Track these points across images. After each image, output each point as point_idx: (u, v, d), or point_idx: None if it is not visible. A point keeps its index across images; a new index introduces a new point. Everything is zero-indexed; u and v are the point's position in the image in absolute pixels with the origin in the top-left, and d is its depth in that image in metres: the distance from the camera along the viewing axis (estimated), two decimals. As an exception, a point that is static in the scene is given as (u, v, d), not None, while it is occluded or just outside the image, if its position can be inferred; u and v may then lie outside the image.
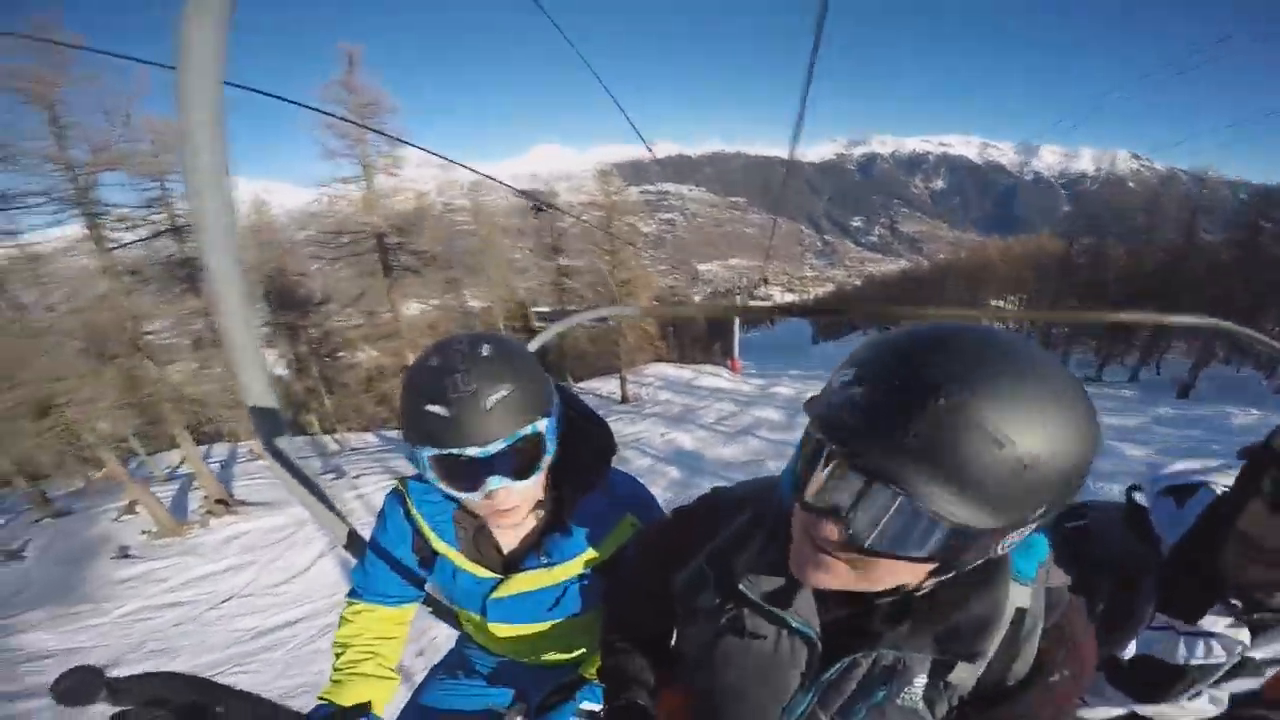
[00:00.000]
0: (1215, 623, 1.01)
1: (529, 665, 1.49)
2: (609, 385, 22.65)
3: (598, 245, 20.64)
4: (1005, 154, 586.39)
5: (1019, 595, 0.74)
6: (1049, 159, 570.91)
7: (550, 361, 23.63)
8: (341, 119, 14.53)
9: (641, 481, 1.37)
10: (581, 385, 22.61)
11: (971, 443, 0.53)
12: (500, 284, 20.76)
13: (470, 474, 1.02)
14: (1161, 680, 1.06)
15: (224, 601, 7.51)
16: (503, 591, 1.27)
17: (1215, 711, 1.10)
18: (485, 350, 0.99)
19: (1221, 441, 11.29)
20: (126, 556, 9.19)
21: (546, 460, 1.10)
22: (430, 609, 1.57)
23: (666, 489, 9.81)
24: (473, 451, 0.98)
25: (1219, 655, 1.01)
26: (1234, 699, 1.09)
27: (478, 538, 1.26)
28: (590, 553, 1.27)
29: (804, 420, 0.66)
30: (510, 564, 1.28)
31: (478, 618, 1.33)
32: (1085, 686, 0.80)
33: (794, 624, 0.81)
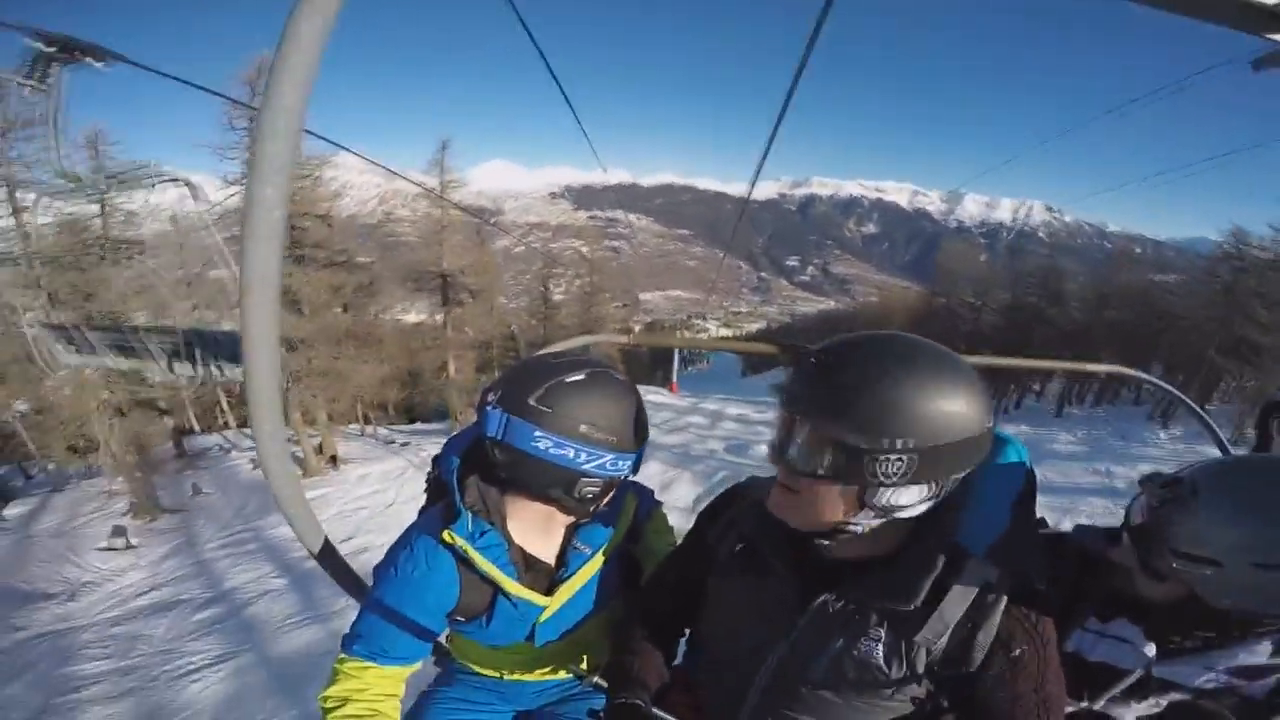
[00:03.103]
0: (1123, 629, 1.16)
1: (531, 681, 1.52)
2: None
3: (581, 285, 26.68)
4: (933, 201, 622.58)
5: (982, 570, 0.88)
6: (972, 208, 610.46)
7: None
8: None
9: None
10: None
11: (842, 389, 0.82)
12: (497, 315, 26.06)
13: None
14: (1081, 676, 1.15)
15: (389, 506, 12.78)
16: (554, 605, 1.32)
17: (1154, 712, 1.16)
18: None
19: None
20: (293, 487, 14.45)
21: None
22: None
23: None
24: None
25: (1128, 662, 1.13)
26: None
27: (529, 562, 1.33)
28: (614, 533, 1.39)
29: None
30: (556, 578, 1.35)
31: (520, 644, 1.37)
32: (1051, 666, 0.89)
33: (770, 556, 1.00)
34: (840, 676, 0.92)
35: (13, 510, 14.93)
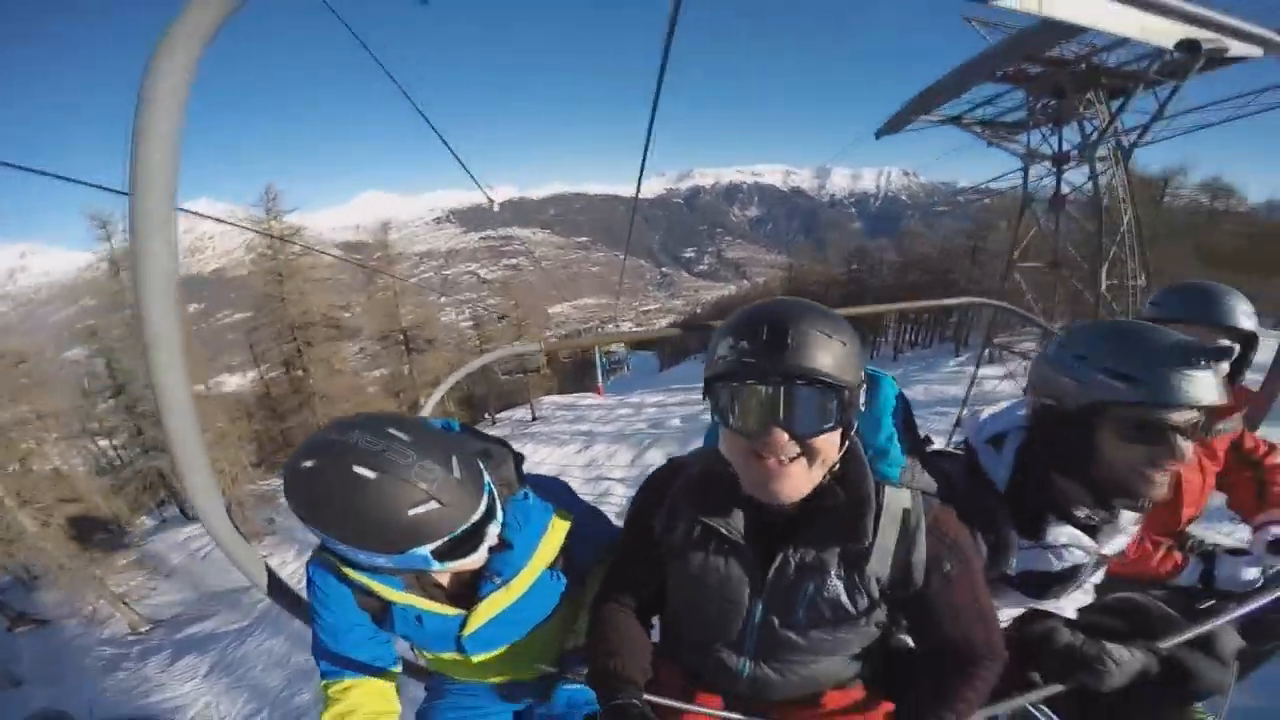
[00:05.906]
0: (1058, 534, 1.23)
1: (512, 681, 1.53)
2: (520, 413, 33.51)
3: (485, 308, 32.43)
4: (805, 179, 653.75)
5: (899, 498, 1.02)
6: (840, 181, 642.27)
7: (476, 399, 34.59)
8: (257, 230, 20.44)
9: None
10: (500, 415, 33.12)
11: (819, 340, 0.89)
12: (442, 356, 31.02)
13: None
14: (1046, 582, 1.28)
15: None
16: (474, 624, 1.30)
17: (1087, 600, 1.38)
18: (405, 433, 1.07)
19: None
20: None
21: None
22: (406, 673, 1.51)
23: (577, 450, 18.57)
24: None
25: (1080, 557, 1.23)
26: (1096, 588, 1.39)
27: (422, 578, 1.28)
28: (535, 558, 1.33)
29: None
30: (463, 596, 1.31)
31: (458, 656, 1.36)
32: (976, 571, 1.05)
33: (728, 533, 1.05)
34: (819, 615, 1.03)
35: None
